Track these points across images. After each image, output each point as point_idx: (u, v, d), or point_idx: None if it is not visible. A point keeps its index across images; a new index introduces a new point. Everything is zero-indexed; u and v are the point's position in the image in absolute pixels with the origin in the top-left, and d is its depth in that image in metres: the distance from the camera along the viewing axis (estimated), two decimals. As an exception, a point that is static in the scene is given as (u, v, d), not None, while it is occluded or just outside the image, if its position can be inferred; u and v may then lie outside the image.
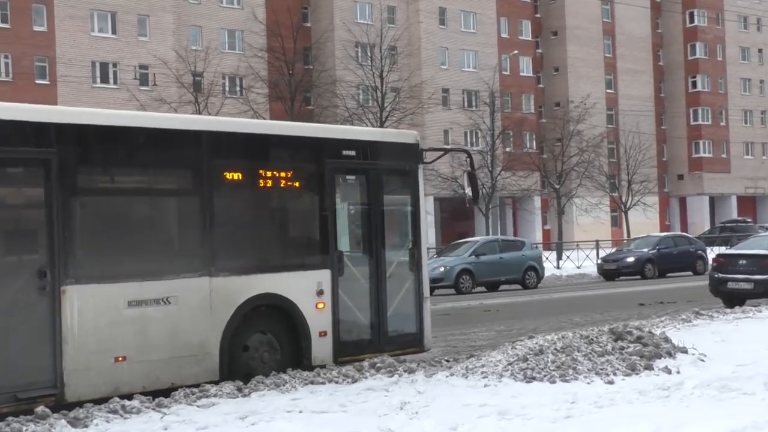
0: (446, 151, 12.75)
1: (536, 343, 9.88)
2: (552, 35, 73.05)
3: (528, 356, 9.50)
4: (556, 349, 9.57)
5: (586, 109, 50.67)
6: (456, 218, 62.93)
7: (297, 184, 10.28)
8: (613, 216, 64.27)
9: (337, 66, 51.91)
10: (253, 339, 9.75)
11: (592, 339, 9.87)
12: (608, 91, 74.00)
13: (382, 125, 41.71)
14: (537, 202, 63.51)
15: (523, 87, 69.10)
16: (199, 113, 36.82)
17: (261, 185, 9.92)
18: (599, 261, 34.29)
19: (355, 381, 9.53)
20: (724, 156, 78.07)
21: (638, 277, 31.78)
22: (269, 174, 9.93)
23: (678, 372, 9.47)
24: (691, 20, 78.22)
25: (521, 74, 69.37)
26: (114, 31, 52.11)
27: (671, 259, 32.98)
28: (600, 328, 10.44)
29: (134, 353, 8.77)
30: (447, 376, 9.55)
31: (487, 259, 27.58)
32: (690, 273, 32.89)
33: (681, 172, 78.36)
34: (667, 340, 10.41)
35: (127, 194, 9.13)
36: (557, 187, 48.65)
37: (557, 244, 42.64)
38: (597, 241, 40.43)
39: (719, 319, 14.48)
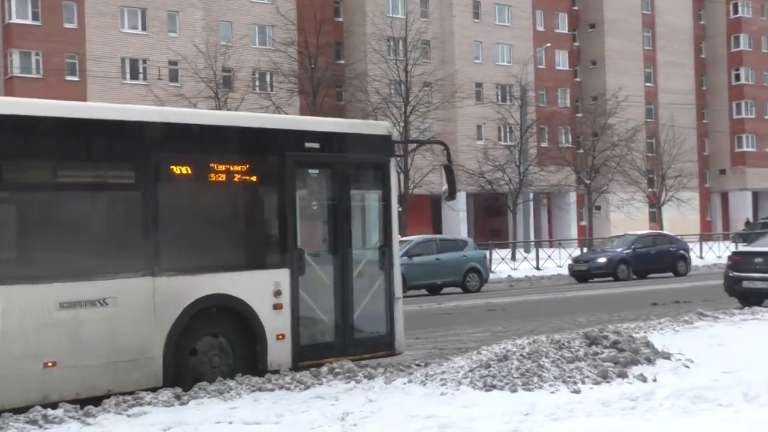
0: (420, 143, 12.38)
1: (503, 348, 9.24)
2: (590, 28, 71.85)
3: (491, 362, 8.86)
4: (521, 355, 8.92)
5: (618, 102, 49.46)
6: (490, 214, 62.02)
7: (252, 178, 9.70)
8: (651, 212, 62.95)
9: (364, 60, 51.35)
10: (202, 342, 9.21)
11: (563, 344, 9.20)
12: (647, 84, 72.65)
13: (406, 120, 41.04)
14: (572, 197, 62.42)
15: (559, 81, 68.07)
16: (219, 109, 36.47)
17: (212, 179, 9.37)
18: (570, 261, 32.39)
19: (307, 388, 8.97)
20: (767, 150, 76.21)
21: (611, 278, 29.77)
22: (221, 167, 9.38)
23: (654, 380, 8.77)
24: (735, 11, 76.47)
25: (557, 68, 68.35)
26: (144, 28, 52.09)
27: (648, 260, 30.99)
28: (576, 332, 9.74)
29: (66, 358, 8.27)
30: (404, 383, 8.96)
31: (421, 261, 24.93)
32: (671, 274, 31.13)
33: (723, 166, 76.68)
34: (648, 344, 9.69)
35: (59, 189, 8.60)
36: (588, 182, 47.57)
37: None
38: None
39: (723, 320, 13.69)
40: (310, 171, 10.38)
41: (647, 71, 72.96)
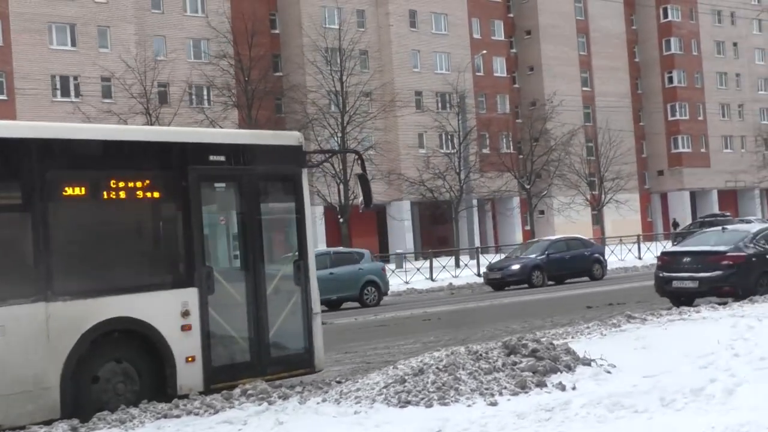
0: (333, 153, 12.37)
1: (420, 362, 8.94)
2: (526, 34, 72.35)
3: (406, 377, 8.56)
4: (437, 368, 8.63)
5: (554, 107, 49.72)
6: (435, 222, 61.91)
7: (153, 194, 9.29)
8: (594, 214, 63.47)
9: (301, 71, 50.95)
10: (104, 369, 8.76)
11: (480, 355, 8.94)
12: (584, 88, 73.25)
13: (343, 130, 40.76)
14: (515, 202, 62.63)
15: (498, 87, 68.27)
16: (151, 124, 35.85)
17: (109, 197, 8.93)
18: (485, 270, 31.75)
19: (216, 412, 8.58)
20: (703, 150, 77.34)
21: (525, 285, 29.21)
22: (118, 184, 8.95)
23: (573, 388, 8.55)
24: (665, 15, 77.56)
25: (495, 74, 68.57)
26: (74, 44, 51.09)
27: (563, 265, 30.48)
28: (494, 342, 9.48)
29: (-48, 392, 7.79)
30: (318, 403, 8.61)
31: None
32: (587, 278, 30.79)
33: (661, 167, 77.59)
34: (568, 351, 9.48)
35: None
36: (528, 187, 47.70)
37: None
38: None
39: (651, 322, 13.54)
40: (216, 185, 10.00)
41: (584, 76, 73.57)
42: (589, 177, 56.02)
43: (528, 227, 68.35)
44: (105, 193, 8.89)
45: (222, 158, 9.75)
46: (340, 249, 26.53)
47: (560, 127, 51.40)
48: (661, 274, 17.26)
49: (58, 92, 50.32)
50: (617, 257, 39.27)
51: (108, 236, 9.03)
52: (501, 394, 8.33)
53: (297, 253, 10.42)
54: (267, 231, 10.25)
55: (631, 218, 65.99)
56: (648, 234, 60.06)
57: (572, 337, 12.48)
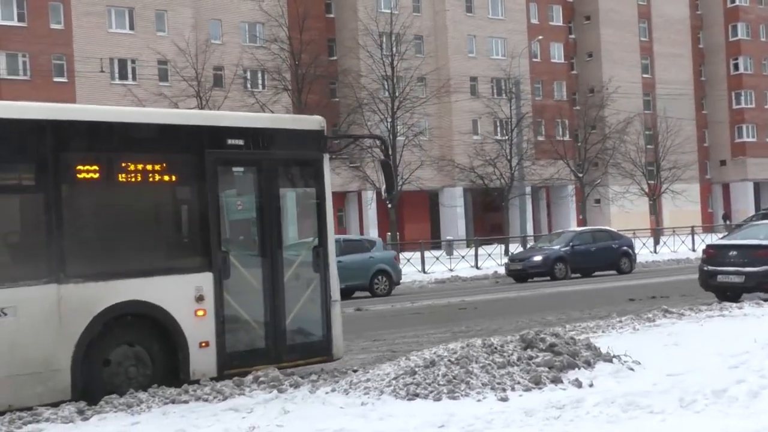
0: (355, 138, 11.88)
1: (433, 353, 8.73)
2: (585, 20, 71.24)
3: (417, 369, 8.36)
4: (450, 360, 8.42)
5: (609, 94, 48.84)
6: (488, 209, 61.38)
7: (169, 177, 9.20)
8: (651, 204, 62.45)
9: (352, 56, 50.84)
10: (116, 352, 8.72)
11: (495, 348, 8.70)
12: (645, 75, 71.94)
13: (393, 115, 40.51)
14: (570, 191, 61.78)
15: (555, 73, 67.43)
16: (201, 108, 35.99)
17: (124, 180, 8.86)
18: (507, 261, 31.01)
19: (225, 399, 8.48)
20: (768, 140, 75.52)
21: (548, 278, 28.27)
22: (133, 167, 8.88)
23: (590, 385, 8.27)
24: (732, 0, 75.65)
25: (552, 60, 67.77)
26: (132, 27, 51.59)
27: (588, 257, 29.41)
28: (511, 336, 9.23)
29: (-40, 372, 7.80)
30: (327, 392, 8.46)
31: None
32: (614, 272, 29.74)
33: (723, 157, 75.97)
34: (589, 347, 9.18)
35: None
36: (580, 175, 46.97)
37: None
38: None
39: (689, 317, 13.13)
40: (234, 169, 9.88)
41: (644, 62, 72.26)
42: (646, 166, 54.94)
43: (582, 216, 67.77)
44: (119, 175, 8.83)
45: (240, 142, 9.63)
46: (351, 237, 25.76)
47: (616, 114, 50.50)
48: (705, 268, 16.76)
49: (116, 75, 50.87)
50: (669, 249, 38.49)
51: (122, 219, 8.97)
52: (513, 389, 8.09)
53: (317, 240, 10.25)
54: (286, 217, 10.11)
55: (689, 209, 64.64)
56: (706, 225, 58.92)
57: (603, 331, 12.13)
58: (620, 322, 12.85)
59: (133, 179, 8.88)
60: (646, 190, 50.48)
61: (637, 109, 62.78)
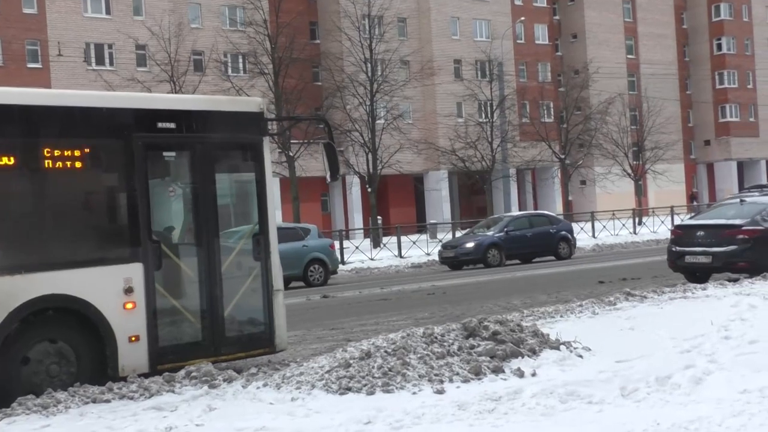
0: (297, 120, 11.57)
1: (372, 344, 8.37)
2: (569, 1, 70.67)
3: (351, 361, 7.98)
4: (386, 351, 8.04)
5: (590, 75, 48.40)
6: (473, 192, 60.98)
7: (94, 164, 8.79)
8: (638, 185, 62.19)
9: (332, 39, 50.26)
10: (36, 350, 8.27)
11: (435, 337, 8.32)
12: (629, 56, 71.49)
13: (372, 98, 40.02)
14: (555, 172, 61.36)
15: (539, 55, 66.84)
16: (175, 92, 35.44)
17: (45, 167, 8.40)
18: (440, 248, 29.51)
19: (151, 396, 8.08)
20: (752, 120, 75.31)
21: (481, 265, 27.08)
22: (55, 153, 8.42)
23: (533, 374, 7.92)
24: (715, -20, 75.29)
25: (537, 42, 67.16)
26: (108, 12, 50.84)
27: (524, 243, 28.25)
28: (455, 324, 8.84)
29: None
30: (258, 388, 8.07)
31: None
32: (553, 258, 28.57)
33: (708, 137, 75.67)
34: (536, 334, 8.82)
35: None
36: (562, 157, 46.56)
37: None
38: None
39: (651, 300, 12.78)
40: (166, 154, 9.43)
41: (629, 43, 71.83)
42: (631, 147, 54.51)
43: (571, 198, 67.41)
44: (39, 162, 8.37)
45: (172, 125, 9.19)
46: (283, 224, 24.79)
47: (599, 95, 50.08)
48: (673, 249, 16.44)
49: (93, 60, 50.17)
50: (649, 229, 38.22)
51: (42, 209, 8.52)
52: (451, 380, 7.72)
53: (257, 227, 9.83)
54: (223, 203, 9.69)
55: (674, 189, 64.35)
56: (688, 205, 58.57)
57: (561, 316, 11.80)
58: (580, 306, 12.49)
59: (55, 166, 8.42)
60: (629, 171, 50.04)
61: (621, 90, 62.39)
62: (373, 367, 7.84)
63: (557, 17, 70.82)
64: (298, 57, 38.48)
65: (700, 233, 15.98)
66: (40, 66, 49.01)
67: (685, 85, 74.96)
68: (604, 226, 37.58)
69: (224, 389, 8.23)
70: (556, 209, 62.03)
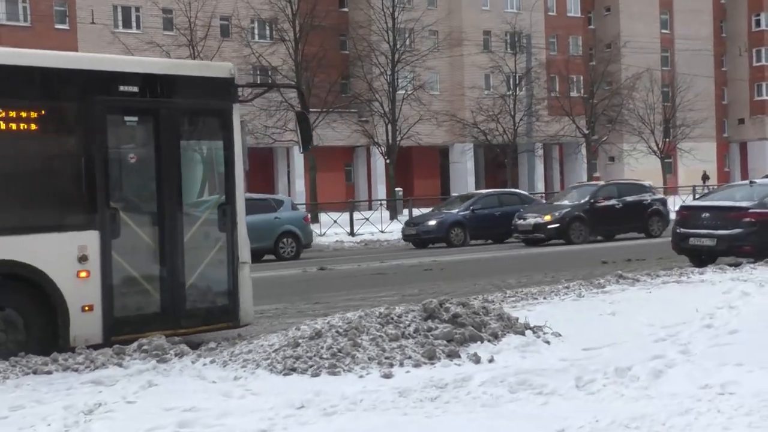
0: (269, 86, 11.13)
1: (327, 323, 8.05)
2: (603, -27, 69.36)
3: (301, 341, 7.66)
4: (337, 332, 7.71)
5: (619, 49, 47.44)
6: (501, 166, 60.36)
7: (49, 127, 8.50)
8: (667, 162, 61.19)
9: (357, 7, 49.67)
10: (-19, 316, 8.06)
11: (391, 318, 7.98)
12: (663, 31, 70.12)
13: (393, 68, 39.49)
14: (581, 148, 60.56)
15: (571, 28, 65.77)
16: (194, 58, 35.17)
17: (-6, 128, 8.13)
18: (403, 225, 28.03)
19: (96, 368, 7.82)
20: (789, 99, 73.63)
21: (443, 244, 25.61)
22: (6, 115, 8.13)
23: (490, 360, 7.58)
24: (756, -46, 73.46)
25: (568, 15, 66.10)
26: (136, -26, 50.57)
27: (491, 222, 26.35)
28: (414, 305, 8.49)
29: None
30: (205, 364, 7.81)
31: None
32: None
33: (742, 116, 74.15)
34: (501, 317, 8.45)
35: None
36: (586, 132, 45.77)
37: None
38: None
39: (642, 283, 12.35)
40: (127, 118, 9.12)
41: (663, 18, 70.39)
42: (659, 123, 53.49)
43: (597, 173, 66.49)
44: None
45: (135, 89, 8.87)
46: (254, 195, 23.63)
47: (627, 70, 49.12)
48: (678, 230, 15.94)
49: (120, 23, 50.02)
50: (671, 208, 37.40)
51: (-11, 172, 8.24)
52: (402, 364, 7.39)
53: (223, 197, 9.52)
54: (188, 172, 9.38)
55: (705, 167, 63.15)
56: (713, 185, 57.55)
57: (544, 298, 11.42)
58: (567, 287, 12.09)
59: (8, 127, 8.14)
60: (654, 148, 49.14)
61: (654, 66, 61.23)
62: (322, 348, 7.53)
63: (591, -11, 69.61)
64: (320, 24, 37.92)
65: (706, 215, 15.46)
66: (68, 28, 49.00)
67: (720, 62, 73.46)
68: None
69: (173, 364, 7.96)
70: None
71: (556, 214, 24.68)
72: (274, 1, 38.15)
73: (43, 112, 8.39)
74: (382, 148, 40.94)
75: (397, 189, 42.68)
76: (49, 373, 7.69)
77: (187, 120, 9.37)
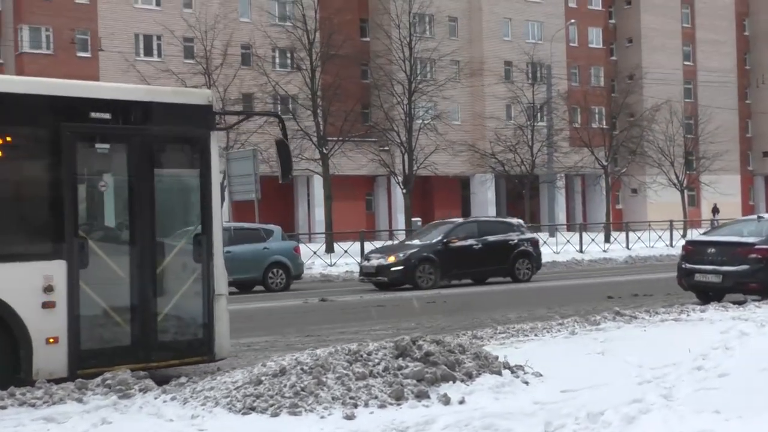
0: (248, 114, 10.90)
1: (295, 359, 7.75)
2: (626, 4, 69.27)
3: (263, 378, 7.37)
4: (302, 369, 7.40)
5: (638, 81, 47.10)
6: (520, 196, 59.95)
7: (14, 153, 8.29)
8: (690, 195, 60.47)
9: (375, 37, 49.65)
10: (-62, 349, 7.83)
11: (360, 356, 7.67)
12: (686, 63, 69.68)
13: (410, 98, 39.34)
14: (599, 180, 60.05)
15: (592, 59, 65.58)
16: (209, 86, 35.21)
17: (-41, 156, 7.95)
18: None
19: (53, 404, 7.56)
20: (814, 132, 72.76)
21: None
22: None
23: (461, 402, 7.24)
24: (780, -13, 72.94)
25: (590, 45, 65.92)
26: (158, 3, 50.87)
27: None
28: (386, 342, 8.16)
29: None
30: (166, 401, 7.52)
31: None
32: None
33: (766, 148, 73.30)
34: (477, 356, 8.11)
35: None
36: (605, 164, 45.31)
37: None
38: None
39: (639, 321, 11.96)
40: (98, 146, 8.92)
41: (686, 49, 70.00)
42: (680, 156, 52.86)
43: (619, 206, 65.92)
44: None
45: (106, 116, 8.66)
46: (244, 225, 23.44)
47: (647, 101, 48.69)
48: (684, 266, 15.53)
49: (142, 51, 50.29)
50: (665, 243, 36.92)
51: (-45, 199, 8.05)
52: (367, 405, 7.07)
53: (199, 227, 9.26)
54: (162, 201, 9.12)
55: (729, 201, 62.41)
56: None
57: (535, 335, 11.07)
58: (561, 324, 11.73)
59: (-28, 155, 7.96)
60: (675, 181, 48.54)
61: (676, 97, 60.75)
62: (285, 386, 7.23)
63: (612, 21, 69.42)
64: (336, 53, 37.89)
65: (711, 250, 15.05)
66: (89, 55, 49.29)
67: (744, 95, 72.83)
68: (639, 238, 36.41)
69: (134, 400, 7.69)
70: (602, 217, 60.78)
71: (401, 255, 21.58)
72: (291, 31, 38.16)
73: (8, 138, 8.19)
74: (399, 178, 40.70)
75: (415, 219, 42.38)
76: (3, 408, 7.43)
77: (162, 147, 9.15)
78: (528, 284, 22.49)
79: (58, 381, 8.20)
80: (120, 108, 8.77)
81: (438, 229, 23.29)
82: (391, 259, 21.65)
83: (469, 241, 22.41)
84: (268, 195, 47.22)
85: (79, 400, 7.69)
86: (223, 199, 34.85)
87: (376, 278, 21.71)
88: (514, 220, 24.88)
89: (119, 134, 8.86)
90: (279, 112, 40.48)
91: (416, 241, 22.84)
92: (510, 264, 22.82)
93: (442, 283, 21.73)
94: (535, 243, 23.88)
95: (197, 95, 9.39)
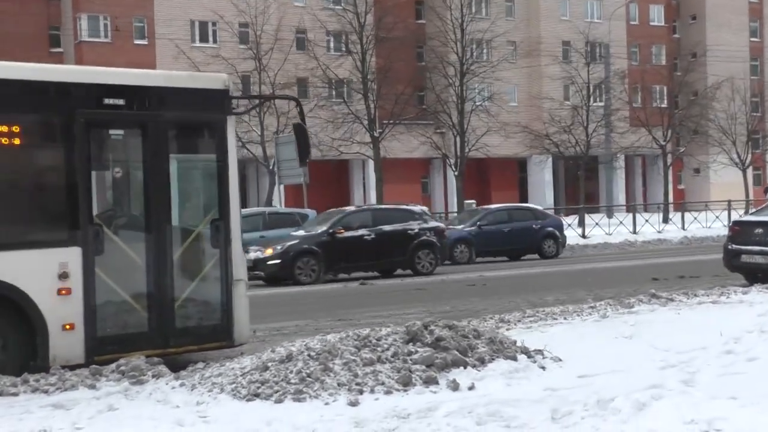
0: (264, 98, 10.72)
1: (304, 344, 7.66)
2: (689, -20, 67.51)
3: (270, 364, 7.28)
4: (309, 355, 7.30)
5: (699, 58, 45.94)
6: (576, 177, 59.10)
7: (29, 141, 8.30)
8: (756, 174, 59.04)
9: (429, 19, 49.28)
10: (-43, 334, 7.90)
11: (368, 341, 7.53)
12: (753, 39, 67.84)
13: (461, 80, 38.95)
14: (657, 160, 58.82)
15: (654, 37, 64.19)
16: (259, 70, 35.26)
17: (-27, 143, 7.98)
18: None
19: (65, 390, 7.57)
20: None
21: (448, 262, 23.15)
22: None
23: (470, 388, 7.09)
24: None
25: (651, 23, 64.57)
26: (213, -11, 51.09)
27: (501, 239, 25.24)
28: (398, 327, 8.01)
29: None
30: (174, 387, 7.48)
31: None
32: (537, 256, 25.67)
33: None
34: (492, 341, 7.92)
35: None
36: (663, 143, 44.36)
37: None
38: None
39: (676, 303, 11.62)
40: (113, 132, 8.89)
41: (753, 25, 68.12)
42: (743, 134, 51.49)
43: (682, 186, 64.59)
44: None
45: (121, 102, 8.62)
46: (278, 209, 22.63)
47: (708, 79, 47.49)
48: (730, 247, 15.04)
49: (197, 38, 50.64)
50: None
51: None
52: (373, 391, 6.95)
53: (217, 212, 9.19)
54: (178, 187, 9.09)
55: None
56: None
57: (564, 318, 10.83)
58: (592, 307, 11.44)
59: (-17, 142, 7.98)
60: (737, 160, 47.35)
61: (742, 74, 59.15)
62: (291, 372, 7.13)
63: (675, -3, 67.90)
64: (386, 36, 37.64)
65: (759, 230, 14.54)
66: (146, 43, 49.80)
67: (813, 71, 70.71)
68: (695, 218, 35.61)
69: (145, 387, 7.68)
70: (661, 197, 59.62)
71: (278, 247, 19.91)
72: (341, 14, 38.04)
73: (24, 125, 8.21)
74: (451, 160, 40.41)
75: (469, 201, 41.98)
76: (16, 395, 7.47)
77: (178, 133, 9.11)
78: (571, 266, 22.10)
79: (75, 368, 8.22)
80: (135, 94, 8.73)
81: (327, 219, 21.53)
82: (269, 252, 19.91)
83: (361, 231, 20.64)
84: (322, 179, 47.43)
85: (92, 387, 7.70)
86: (273, 183, 35.27)
87: (254, 272, 18.49)
88: (417, 208, 22.96)
89: (134, 120, 8.82)
90: (332, 96, 40.67)
91: (300, 232, 21.04)
92: (409, 255, 21.03)
93: (326, 278, 20.06)
94: (440, 232, 22.05)
95: (213, 80, 9.30)
